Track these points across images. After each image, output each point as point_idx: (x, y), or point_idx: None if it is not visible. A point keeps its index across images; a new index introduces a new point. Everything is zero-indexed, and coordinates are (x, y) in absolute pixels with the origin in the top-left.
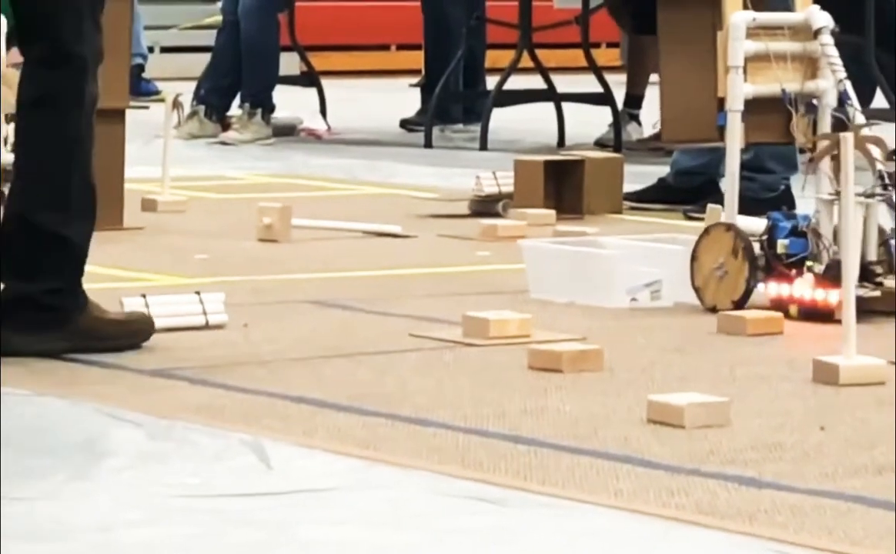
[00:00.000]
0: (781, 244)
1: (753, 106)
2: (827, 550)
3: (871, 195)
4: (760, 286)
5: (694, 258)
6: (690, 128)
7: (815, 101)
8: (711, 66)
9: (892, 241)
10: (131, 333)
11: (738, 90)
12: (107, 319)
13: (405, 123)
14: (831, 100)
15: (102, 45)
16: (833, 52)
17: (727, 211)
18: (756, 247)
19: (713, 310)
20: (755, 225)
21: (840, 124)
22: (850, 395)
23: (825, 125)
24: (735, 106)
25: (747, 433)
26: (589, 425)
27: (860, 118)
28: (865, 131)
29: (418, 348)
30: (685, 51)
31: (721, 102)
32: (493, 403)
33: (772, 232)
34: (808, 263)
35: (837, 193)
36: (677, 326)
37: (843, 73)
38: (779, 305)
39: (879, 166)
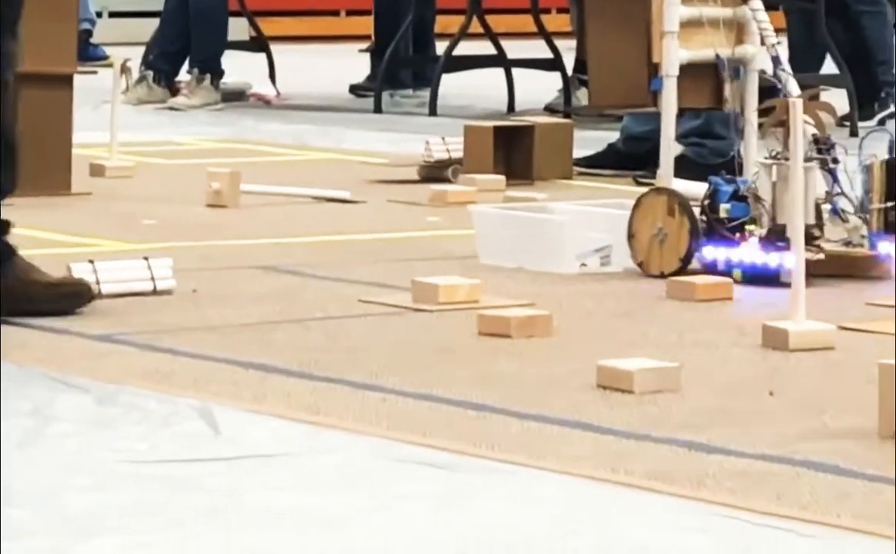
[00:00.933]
0: (724, 208)
1: (684, 71)
2: (775, 515)
3: (809, 160)
4: (704, 250)
5: (631, 235)
6: (620, 94)
7: (741, 67)
8: (640, 30)
9: (828, 206)
10: (63, 296)
11: (673, 55)
12: (39, 282)
13: (354, 89)
14: (758, 64)
15: (20, 1)
16: (764, 17)
17: (663, 176)
18: (697, 211)
19: (661, 275)
20: (694, 189)
21: (774, 90)
22: (800, 360)
23: (753, 90)
24: (671, 71)
25: (696, 398)
26: (538, 391)
27: (793, 83)
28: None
29: (367, 314)
30: (612, 16)
31: (655, 68)
32: (442, 369)
33: (713, 196)
34: (750, 227)
35: (776, 157)
36: (626, 292)
37: (774, 38)
38: (723, 269)
39: (812, 131)
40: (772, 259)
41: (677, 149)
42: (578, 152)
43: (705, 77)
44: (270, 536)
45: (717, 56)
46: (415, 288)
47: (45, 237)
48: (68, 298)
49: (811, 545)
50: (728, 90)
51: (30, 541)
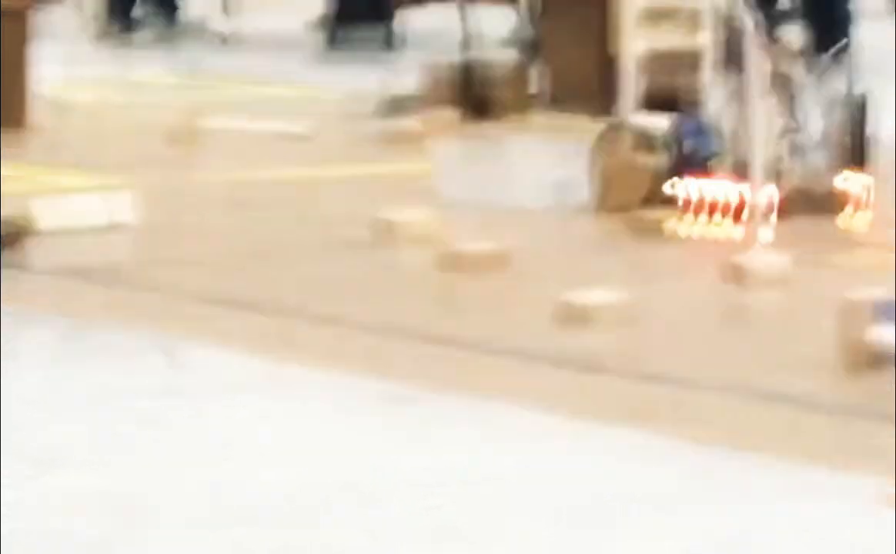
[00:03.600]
0: (687, 144)
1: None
2: (734, 447)
3: (769, 94)
4: (668, 185)
5: (593, 165)
6: (573, 86)
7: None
8: (595, 25)
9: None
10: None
11: (631, 47)
12: None
13: (311, 24)
14: (710, 57)
15: None
16: None
17: (622, 110)
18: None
19: (621, 209)
20: (656, 123)
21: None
22: (759, 294)
23: (707, 81)
24: (629, 64)
25: (655, 332)
26: (498, 325)
27: (749, 20)
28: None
29: (327, 249)
30: (568, 10)
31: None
32: (403, 304)
33: (678, 131)
34: (713, 162)
35: (736, 91)
36: (586, 227)
37: None
38: (688, 203)
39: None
40: (737, 192)
41: None
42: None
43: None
44: (233, 468)
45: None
46: (374, 223)
47: (4, 173)
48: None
49: (769, 476)
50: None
51: None
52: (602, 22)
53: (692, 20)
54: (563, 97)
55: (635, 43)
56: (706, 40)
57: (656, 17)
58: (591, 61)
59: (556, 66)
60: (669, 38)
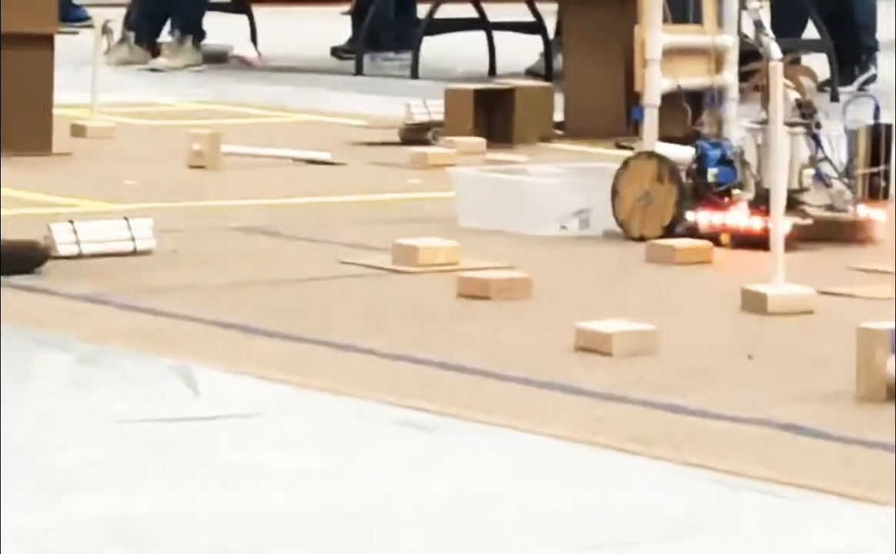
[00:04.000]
0: (711, 173)
1: (663, 99)
2: (752, 477)
3: (794, 124)
4: (690, 214)
5: (615, 193)
6: (596, 121)
7: (716, 95)
8: (618, 58)
9: (811, 171)
10: (15, 259)
11: (655, 85)
12: None
13: (336, 51)
14: (734, 93)
15: None
16: None
17: (646, 139)
18: (683, 175)
19: (641, 239)
20: (680, 153)
21: (755, 54)
22: (779, 323)
23: (731, 117)
24: (652, 100)
25: (675, 361)
26: (516, 353)
27: (775, 48)
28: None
29: (347, 275)
30: (590, 44)
31: (637, 97)
32: (420, 330)
33: (701, 160)
34: (736, 192)
35: (763, 122)
36: (606, 255)
37: (756, 3)
38: (710, 233)
39: (795, 96)
40: (761, 223)
41: None
42: (559, 116)
43: (677, 107)
44: (247, 494)
45: (679, 86)
46: (395, 250)
47: (25, 197)
48: (21, 261)
49: (788, 507)
50: (706, 117)
51: (8, 497)
52: (625, 51)
53: (717, 58)
54: (585, 128)
55: (659, 82)
56: (731, 78)
57: (680, 54)
58: (613, 91)
59: (578, 97)
60: (694, 78)
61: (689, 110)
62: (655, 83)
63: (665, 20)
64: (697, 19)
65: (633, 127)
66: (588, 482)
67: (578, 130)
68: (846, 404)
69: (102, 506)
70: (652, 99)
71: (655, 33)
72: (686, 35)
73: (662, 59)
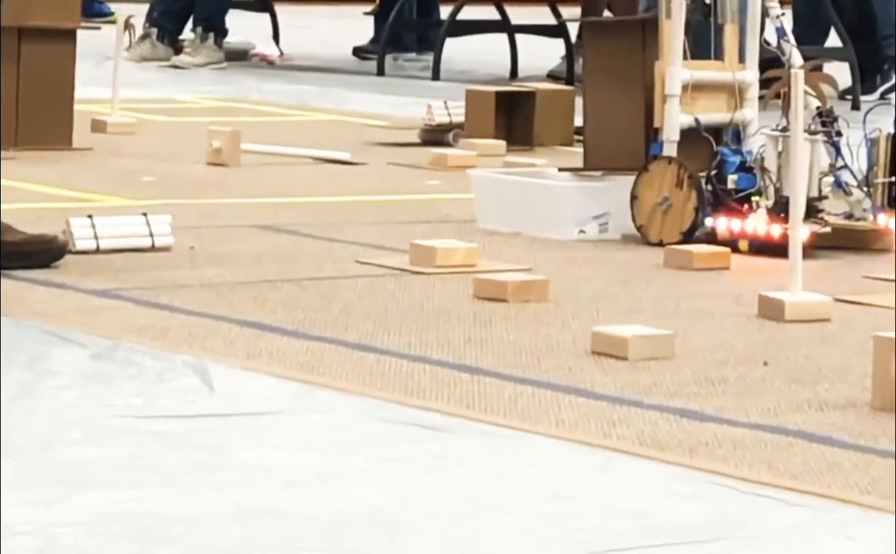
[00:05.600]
0: (731, 179)
1: (682, 134)
2: (767, 484)
3: (815, 132)
4: (709, 220)
5: (634, 198)
6: (614, 154)
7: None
8: (639, 92)
9: (831, 179)
10: (32, 253)
11: (674, 120)
12: (7, 242)
13: (358, 51)
14: (754, 129)
15: None
16: None
17: (666, 141)
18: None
19: (660, 244)
20: None
21: (777, 61)
22: (795, 331)
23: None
24: (672, 136)
25: (691, 367)
26: (532, 355)
27: (797, 55)
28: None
29: (365, 275)
30: (610, 74)
31: (655, 132)
32: (437, 331)
33: (721, 167)
34: (755, 199)
35: (783, 130)
36: (624, 259)
37: (778, 10)
38: (729, 239)
39: (816, 104)
40: (780, 230)
41: None
42: (580, 120)
43: (701, 140)
44: (262, 493)
45: (697, 121)
46: (412, 250)
47: (45, 191)
48: (38, 255)
49: (802, 514)
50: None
51: (23, 492)
52: (646, 85)
53: (737, 94)
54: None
55: (678, 118)
56: (752, 114)
57: (700, 90)
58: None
59: (598, 130)
60: (714, 113)
61: (712, 141)
62: (674, 119)
63: (685, 56)
64: (719, 55)
65: (653, 160)
66: (602, 487)
67: (597, 163)
68: (862, 413)
69: (116, 502)
70: (671, 134)
71: (675, 69)
72: (706, 71)
73: (682, 94)
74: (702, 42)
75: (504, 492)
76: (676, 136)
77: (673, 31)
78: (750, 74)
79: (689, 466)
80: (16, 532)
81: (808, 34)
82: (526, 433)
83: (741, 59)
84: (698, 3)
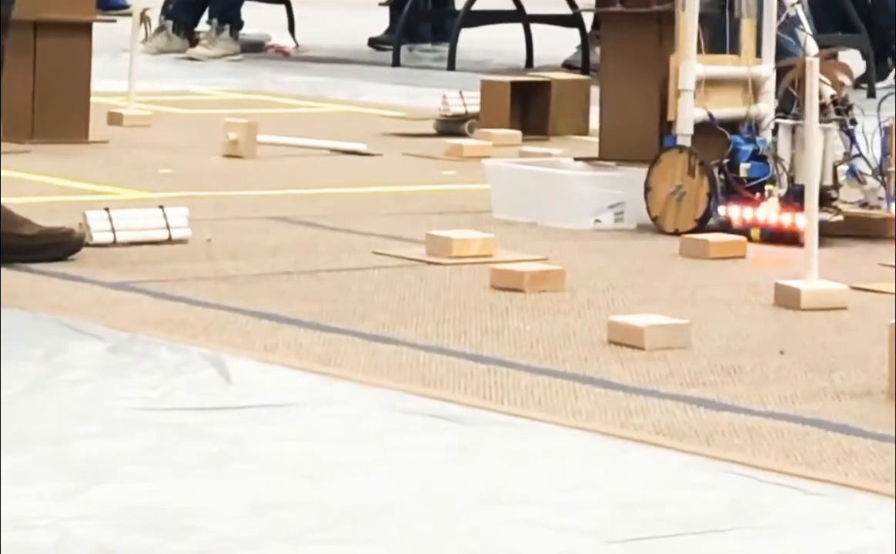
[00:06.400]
0: (743, 168)
1: (696, 128)
2: (783, 473)
3: (829, 121)
4: (721, 209)
5: (648, 189)
6: (628, 145)
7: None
8: (654, 84)
9: (845, 168)
10: (47, 246)
11: (688, 114)
12: (21, 234)
13: (373, 42)
14: (768, 123)
15: None
16: None
17: (680, 134)
18: (715, 170)
19: (675, 233)
20: None
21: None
22: (811, 319)
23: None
24: (685, 130)
25: (707, 355)
26: (549, 345)
27: (811, 43)
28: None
29: (381, 266)
30: (627, 66)
31: (669, 126)
32: (454, 322)
33: (733, 155)
34: (769, 187)
35: (796, 118)
36: (640, 248)
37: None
38: (741, 228)
39: (831, 92)
40: (792, 219)
41: None
42: (595, 110)
43: (714, 134)
44: (279, 485)
45: (710, 115)
46: (429, 241)
47: (62, 184)
48: (55, 248)
49: (819, 503)
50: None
51: (39, 486)
52: (661, 79)
53: (752, 88)
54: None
55: (691, 112)
56: (767, 108)
57: (714, 85)
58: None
59: (613, 121)
60: (728, 108)
61: (727, 134)
62: (688, 113)
63: (699, 50)
64: (735, 49)
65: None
66: (618, 476)
67: (612, 153)
68: (878, 401)
69: (133, 495)
70: (684, 128)
71: (689, 63)
72: (721, 65)
73: (696, 88)
74: (719, 36)
75: (520, 482)
76: (690, 131)
77: (688, 25)
78: (766, 69)
79: (705, 456)
80: (32, 525)
81: (823, 22)
82: (542, 423)
83: (758, 53)
84: None
